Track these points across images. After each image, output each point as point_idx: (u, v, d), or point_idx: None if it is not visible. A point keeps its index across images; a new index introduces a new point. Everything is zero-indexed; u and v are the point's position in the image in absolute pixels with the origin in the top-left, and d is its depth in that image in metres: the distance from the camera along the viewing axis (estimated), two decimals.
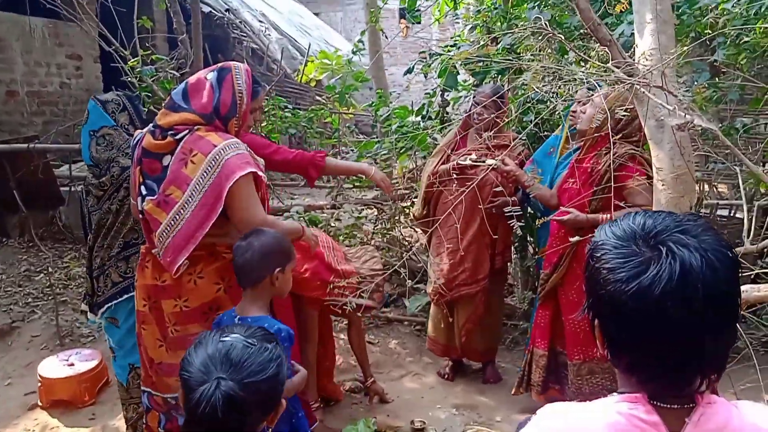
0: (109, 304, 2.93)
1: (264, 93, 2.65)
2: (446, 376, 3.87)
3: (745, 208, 2.34)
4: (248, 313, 2.16)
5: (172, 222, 2.24)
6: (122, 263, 2.93)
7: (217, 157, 2.20)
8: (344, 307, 2.82)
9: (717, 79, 3.87)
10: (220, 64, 2.45)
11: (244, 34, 10.61)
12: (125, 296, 2.90)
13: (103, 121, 2.93)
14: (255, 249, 2.14)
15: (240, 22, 10.75)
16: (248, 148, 2.36)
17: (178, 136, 2.27)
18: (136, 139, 2.41)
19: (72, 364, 3.69)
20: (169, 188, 2.25)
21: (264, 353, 1.33)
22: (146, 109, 3.24)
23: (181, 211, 2.23)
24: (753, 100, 3.83)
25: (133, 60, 5.17)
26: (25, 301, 5.11)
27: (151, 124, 2.40)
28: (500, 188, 3.23)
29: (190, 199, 2.21)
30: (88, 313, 3.07)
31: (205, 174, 2.20)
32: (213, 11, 10.29)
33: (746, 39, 3.30)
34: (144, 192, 2.32)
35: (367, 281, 3.03)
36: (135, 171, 2.36)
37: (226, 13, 10.53)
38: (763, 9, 3.11)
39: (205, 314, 2.34)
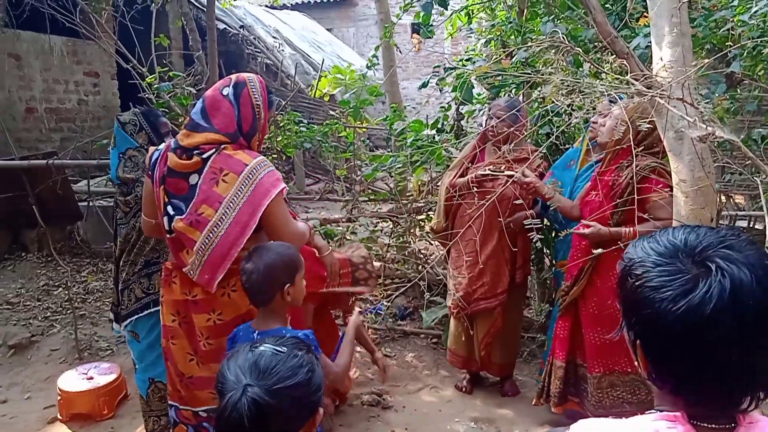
0: (131, 319, 3.01)
1: (276, 103, 2.69)
2: (464, 389, 3.85)
3: (766, 218, 2.31)
4: (265, 327, 2.16)
5: (207, 240, 2.27)
6: (145, 280, 3.01)
7: (251, 175, 2.25)
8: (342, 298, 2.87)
9: (737, 90, 3.86)
10: (233, 78, 2.43)
11: (258, 50, 10.72)
12: (146, 312, 2.99)
13: (127, 144, 3.02)
14: (261, 270, 2.13)
15: (254, 38, 10.87)
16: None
17: (204, 155, 2.29)
18: (154, 158, 2.41)
19: (91, 378, 3.71)
20: (200, 207, 2.28)
21: (293, 360, 1.32)
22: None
23: (215, 229, 2.26)
24: None
25: (150, 77, 5.25)
26: (44, 315, 5.15)
27: (171, 142, 2.42)
28: (519, 201, 3.22)
29: (223, 217, 2.25)
30: (113, 323, 3.18)
31: (238, 192, 2.25)
32: (228, 28, 10.42)
33: (764, 50, 3.29)
34: (171, 211, 2.33)
35: (361, 270, 3.15)
36: (158, 190, 2.36)
37: (241, 30, 10.65)
38: None
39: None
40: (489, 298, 3.57)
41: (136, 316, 3.00)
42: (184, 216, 2.30)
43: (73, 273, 6.09)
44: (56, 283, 5.88)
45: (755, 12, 3.29)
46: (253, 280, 2.15)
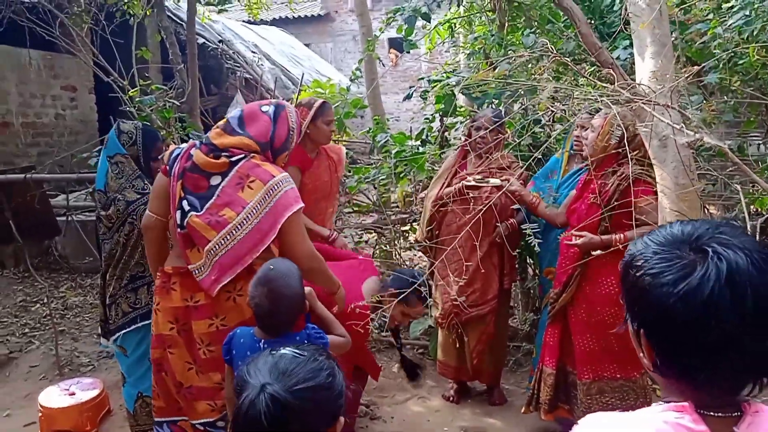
0: (119, 333, 2.98)
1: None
2: (451, 399, 3.85)
3: (748, 225, 2.38)
4: (271, 336, 2.12)
5: (223, 241, 2.28)
6: (131, 294, 2.99)
7: (276, 187, 2.30)
8: None
9: (710, 100, 3.96)
10: (274, 100, 2.55)
11: (238, 65, 10.70)
12: (133, 326, 2.97)
13: (116, 149, 3.00)
14: (281, 308, 2.09)
15: (233, 52, 10.85)
16: None
17: (233, 159, 2.33)
18: (175, 155, 2.42)
19: (73, 394, 3.65)
20: (223, 209, 2.29)
21: (313, 363, 1.31)
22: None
23: (234, 232, 2.28)
24: (746, 121, 3.93)
25: (133, 90, 5.22)
26: (22, 331, 5.06)
27: (201, 139, 2.45)
28: (503, 206, 3.26)
29: (244, 221, 2.27)
30: (102, 338, 3.15)
31: (263, 201, 2.28)
32: (207, 42, 10.39)
33: (740, 62, 3.39)
34: (186, 207, 2.33)
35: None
36: (175, 184, 2.36)
37: (220, 44, 10.63)
38: (755, 33, 3.21)
39: None
40: (480, 304, 3.59)
41: (123, 331, 2.98)
42: (201, 213, 2.30)
43: (51, 289, 5.98)
44: (34, 299, 5.79)
45: (729, 25, 3.40)
46: (275, 320, 2.12)
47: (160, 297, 2.45)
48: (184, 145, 2.48)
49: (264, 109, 2.46)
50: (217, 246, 2.28)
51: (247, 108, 2.48)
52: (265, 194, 2.28)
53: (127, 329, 2.97)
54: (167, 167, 2.44)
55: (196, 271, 2.32)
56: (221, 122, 2.46)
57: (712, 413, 0.94)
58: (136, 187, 2.94)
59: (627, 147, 2.86)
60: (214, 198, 2.30)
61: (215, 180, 2.33)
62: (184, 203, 2.33)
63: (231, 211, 2.28)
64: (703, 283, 0.90)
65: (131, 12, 6.88)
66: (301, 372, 1.28)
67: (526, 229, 3.16)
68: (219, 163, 2.33)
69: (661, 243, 0.99)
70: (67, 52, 7.26)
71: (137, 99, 4.94)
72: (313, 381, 1.28)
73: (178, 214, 2.35)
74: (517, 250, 3.81)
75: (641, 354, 1.02)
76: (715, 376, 0.93)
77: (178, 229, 2.36)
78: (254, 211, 2.28)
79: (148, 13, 7.08)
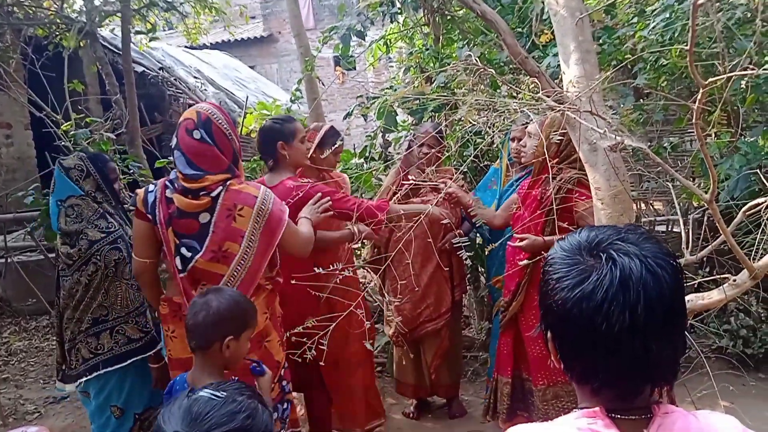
0: (81, 380, 2.82)
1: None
2: (411, 416, 3.82)
3: (681, 221, 2.43)
4: (200, 383, 2.03)
5: (235, 273, 2.41)
6: (92, 339, 2.81)
7: (263, 206, 2.43)
8: None
9: (642, 101, 4.07)
10: (194, 116, 2.43)
11: (180, 91, 10.54)
12: (95, 374, 2.80)
13: (69, 191, 2.82)
14: (210, 310, 2.04)
15: (175, 79, 10.69)
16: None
17: (213, 194, 2.39)
18: (151, 200, 2.43)
19: None
20: (225, 244, 2.39)
21: (230, 405, 1.23)
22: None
23: (242, 262, 2.41)
24: (677, 119, 4.04)
25: (66, 124, 5.07)
26: None
27: (164, 183, 2.44)
28: (447, 221, 3.26)
29: (247, 250, 2.41)
30: (58, 381, 2.98)
31: (255, 225, 2.42)
32: (147, 70, 10.20)
33: (665, 62, 3.49)
34: (187, 252, 2.40)
35: None
36: (166, 232, 2.41)
37: (160, 72, 10.46)
38: (676, 34, 3.31)
39: (260, 342, 2.48)
40: (435, 319, 3.58)
41: (83, 379, 2.81)
42: (202, 253, 2.38)
43: None
44: None
45: (653, 27, 3.50)
46: (199, 319, 2.05)
47: (173, 325, 2.49)
48: (153, 187, 2.47)
49: (197, 135, 2.39)
50: (232, 279, 2.40)
51: (184, 144, 2.40)
52: (255, 218, 2.41)
53: (88, 376, 2.80)
54: (144, 212, 2.44)
55: None
56: (177, 173, 2.43)
57: (622, 416, 0.96)
58: (100, 227, 2.79)
59: (563, 152, 2.93)
60: (210, 235, 2.39)
61: (204, 218, 2.40)
62: (183, 249, 2.40)
63: (233, 244, 2.40)
64: (597, 288, 0.93)
65: (63, 45, 6.71)
66: (215, 416, 1.20)
67: (473, 240, 3.17)
68: (202, 203, 2.39)
69: (566, 249, 1.01)
70: None
71: (71, 133, 4.79)
72: (227, 425, 1.19)
73: (178, 260, 2.41)
74: (467, 260, 3.82)
75: (551, 357, 1.04)
76: (611, 379, 0.95)
77: (180, 274, 2.41)
78: (252, 237, 2.41)
79: (82, 45, 6.92)
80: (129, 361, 2.81)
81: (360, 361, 3.36)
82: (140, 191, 2.51)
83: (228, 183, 2.41)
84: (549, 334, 1.03)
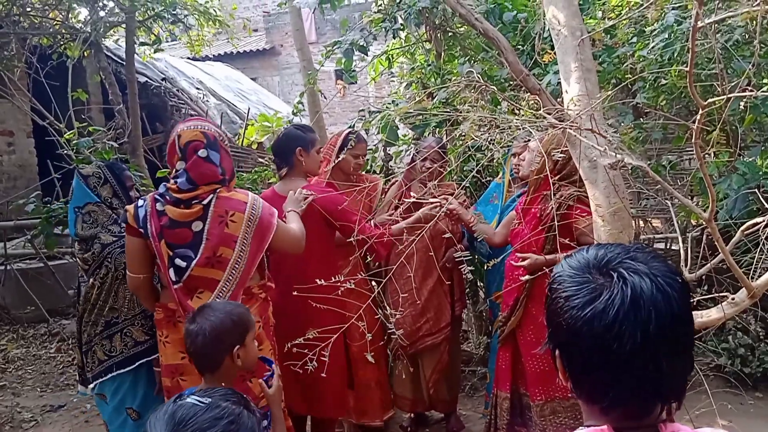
0: (96, 382, 2.90)
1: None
2: (409, 429, 3.81)
3: (680, 239, 2.45)
4: None
5: (230, 277, 2.49)
6: (107, 342, 2.90)
7: (253, 212, 2.52)
8: None
9: (641, 120, 4.10)
10: (199, 133, 2.52)
11: (182, 102, 10.59)
12: (109, 375, 2.88)
13: (86, 198, 2.93)
14: (208, 331, 2.03)
15: (177, 90, 10.74)
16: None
17: (204, 202, 2.47)
18: (142, 215, 2.48)
19: None
20: (219, 249, 2.47)
21: (213, 411, 1.24)
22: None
23: (236, 265, 2.49)
24: (675, 138, 4.08)
25: (69, 132, 5.10)
26: None
27: (154, 196, 2.51)
28: (449, 235, 3.28)
29: (241, 254, 2.50)
30: (79, 384, 3.08)
31: (247, 230, 2.51)
32: (149, 81, 10.25)
33: (664, 82, 3.53)
34: (181, 263, 2.45)
35: None
36: (159, 245, 2.46)
37: (163, 82, 10.51)
38: (675, 54, 3.34)
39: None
40: (434, 333, 3.58)
41: (99, 380, 2.89)
42: (197, 260, 2.45)
43: None
44: None
45: (652, 47, 3.54)
46: (199, 343, 2.03)
47: (167, 330, 2.55)
48: (143, 202, 2.53)
49: (203, 154, 2.49)
50: (227, 283, 2.48)
51: (190, 166, 2.48)
52: (247, 223, 2.50)
53: (104, 378, 2.88)
54: (135, 227, 2.49)
55: None
56: (172, 184, 2.50)
57: None
58: (113, 231, 2.90)
59: (563, 170, 2.95)
60: (204, 242, 2.46)
61: (197, 226, 2.47)
62: (177, 260, 2.46)
63: (227, 249, 2.48)
64: (608, 307, 0.93)
65: (68, 54, 6.76)
66: (197, 422, 1.21)
67: (472, 255, 3.18)
68: (194, 211, 2.46)
69: (574, 267, 1.01)
70: (0, 96, 7.07)
71: (74, 142, 4.82)
72: (209, 431, 1.20)
73: (172, 272, 2.46)
74: (468, 274, 3.84)
75: (559, 375, 1.04)
76: (621, 398, 0.95)
77: (175, 285, 2.46)
78: (244, 242, 2.50)
79: (86, 54, 6.97)
80: (137, 364, 2.88)
81: (377, 357, 3.39)
82: (130, 207, 2.57)
83: (218, 191, 2.50)
84: (557, 353, 1.02)
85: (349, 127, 4.97)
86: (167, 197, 2.49)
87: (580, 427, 1.01)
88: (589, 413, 1.01)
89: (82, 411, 4.32)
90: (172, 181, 2.53)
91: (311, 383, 3.03)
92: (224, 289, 2.47)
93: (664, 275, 0.95)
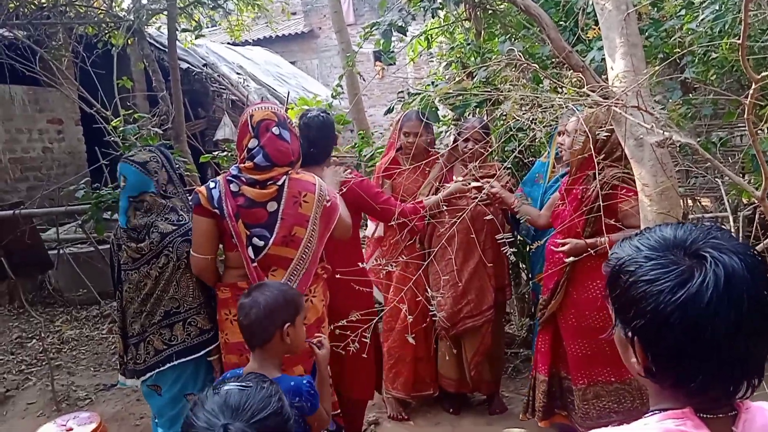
0: (152, 372, 2.80)
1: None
2: (452, 411, 3.83)
3: (731, 219, 2.38)
4: None
5: (303, 255, 2.60)
6: (166, 331, 2.78)
7: (321, 193, 2.64)
8: None
9: (690, 96, 3.97)
10: (272, 114, 2.63)
11: (224, 87, 10.72)
12: (168, 365, 2.77)
13: (143, 187, 2.80)
14: (262, 305, 2.08)
15: (218, 75, 10.87)
16: None
17: (279, 183, 2.58)
18: (216, 197, 2.55)
19: (70, 429, 3.59)
20: (293, 228, 2.58)
21: (262, 391, 1.31)
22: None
23: (308, 244, 2.61)
24: (726, 113, 3.93)
25: (115, 120, 5.22)
26: (19, 368, 5.03)
27: (226, 178, 2.60)
28: (491, 216, 3.25)
29: (313, 233, 2.62)
30: (120, 376, 2.99)
31: (317, 210, 2.63)
32: (191, 67, 10.41)
33: (714, 55, 3.40)
34: (258, 242, 2.55)
35: None
36: (236, 225, 2.55)
37: (204, 68, 10.65)
38: (726, 26, 3.22)
39: (318, 328, 2.64)
40: (475, 315, 3.58)
41: (157, 370, 2.78)
42: (273, 239, 2.55)
43: (46, 323, 5.97)
44: (30, 335, 5.76)
45: (702, 20, 3.41)
46: (252, 315, 2.08)
47: (235, 308, 2.47)
48: (214, 184, 2.60)
49: (276, 132, 2.59)
50: (301, 261, 2.59)
51: (269, 143, 2.57)
52: (317, 204, 2.62)
53: (162, 368, 2.77)
54: (209, 208, 2.55)
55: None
56: (248, 164, 2.59)
57: (709, 415, 0.94)
58: (170, 220, 2.80)
59: (603, 149, 2.88)
60: (279, 222, 2.56)
61: (272, 206, 2.57)
62: (254, 239, 2.55)
63: (300, 228, 2.58)
64: (703, 291, 0.89)
65: (112, 42, 6.91)
66: (253, 403, 1.27)
67: (514, 236, 3.15)
68: (270, 192, 2.57)
69: (653, 248, 0.97)
70: (49, 85, 7.28)
71: (120, 129, 4.94)
72: (266, 410, 1.28)
73: (250, 250, 2.56)
74: (511, 256, 3.82)
75: (633, 360, 0.99)
76: (711, 381, 0.92)
77: (252, 263, 2.55)
78: (315, 221, 2.62)
79: (130, 42, 7.11)
80: (203, 352, 2.78)
81: (418, 337, 3.46)
82: (201, 189, 2.60)
83: (289, 173, 2.60)
84: (636, 340, 0.97)
85: (388, 110, 4.97)
86: (243, 178, 2.58)
87: (655, 411, 0.97)
88: (666, 396, 0.97)
89: (134, 389, 4.46)
90: (247, 161, 2.58)
91: (344, 365, 3.09)
92: (298, 267, 2.58)
93: (746, 254, 0.92)
